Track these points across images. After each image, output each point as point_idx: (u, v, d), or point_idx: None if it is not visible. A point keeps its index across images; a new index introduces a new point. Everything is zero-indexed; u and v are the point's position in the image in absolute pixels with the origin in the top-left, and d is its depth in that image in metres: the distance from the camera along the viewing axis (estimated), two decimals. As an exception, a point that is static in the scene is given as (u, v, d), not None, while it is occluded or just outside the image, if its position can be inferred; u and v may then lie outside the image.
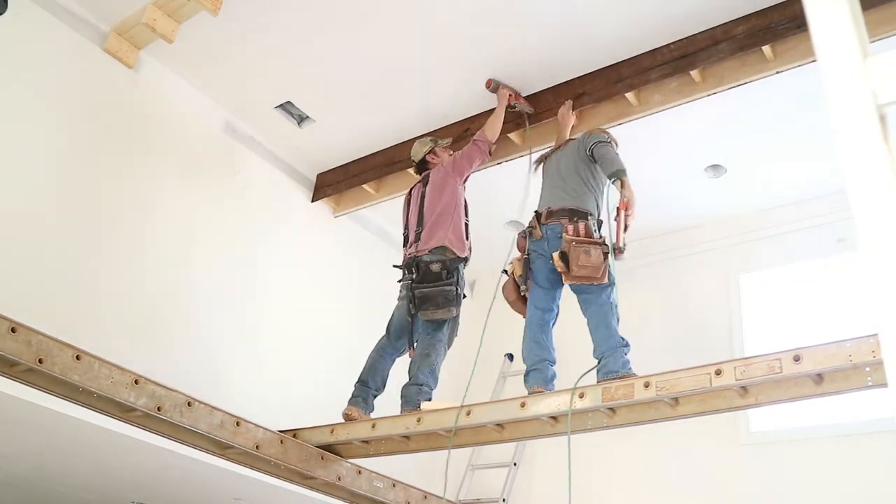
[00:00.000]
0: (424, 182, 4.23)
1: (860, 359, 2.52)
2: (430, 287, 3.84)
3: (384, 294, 4.40)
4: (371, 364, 4.11)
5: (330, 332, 5.10)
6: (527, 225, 3.84)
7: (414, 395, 3.78)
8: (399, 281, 4.12)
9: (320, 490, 3.97)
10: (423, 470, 4.86)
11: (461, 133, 4.59)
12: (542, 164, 4.10)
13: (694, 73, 3.88)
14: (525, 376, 3.59)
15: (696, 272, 5.26)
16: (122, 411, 3.19)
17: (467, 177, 4.19)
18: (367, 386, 4.04)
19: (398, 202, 4.70)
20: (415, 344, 4.02)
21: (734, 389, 2.87)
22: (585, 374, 3.26)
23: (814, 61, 3.40)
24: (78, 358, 2.97)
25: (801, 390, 2.76)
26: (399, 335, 4.08)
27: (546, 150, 4.20)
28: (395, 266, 4.21)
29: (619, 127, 4.15)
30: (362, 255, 5.58)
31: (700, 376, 2.86)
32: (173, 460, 3.47)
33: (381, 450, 3.88)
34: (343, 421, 3.93)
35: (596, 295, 3.48)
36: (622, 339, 3.38)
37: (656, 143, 4.62)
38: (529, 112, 4.36)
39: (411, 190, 4.36)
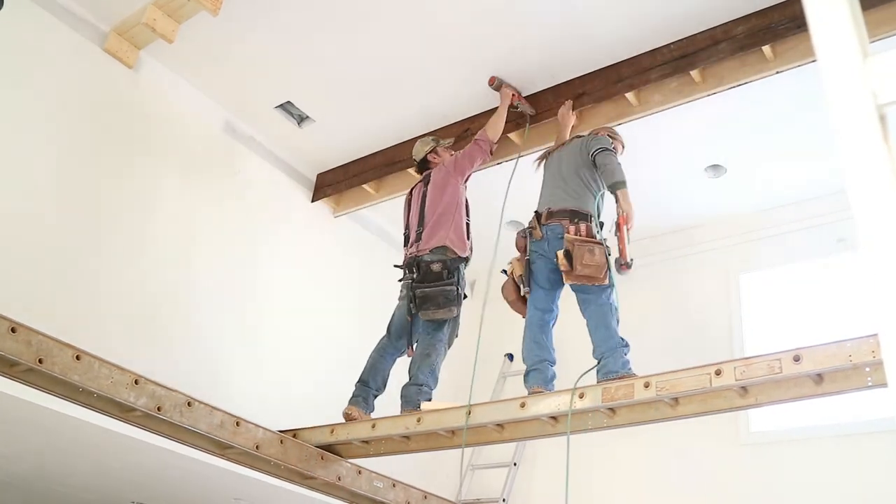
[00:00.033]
0: (425, 181, 4.22)
1: (860, 359, 2.52)
2: (431, 287, 3.84)
3: (384, 294, 4.40)
4: (372, 364, 4.10)
5: (330, 332, 5.10)
6: (527, 225, 3.83)
7: (414, 395, 3.78)
8: (400, 280, 4.12)
9: (320, 490, 3.97)
10: (423, 470, 4.86)
11: (461, 133, 4.59)
12: (542, 162, 4.10)
13: (694, 73, 3.88)
14: (525, 376, 3.59)
15: (696, 272, 5.26)
16: (122, 411, 3.18)
17: (468, 176, 4.18)
18: (368, 386, 4.04)
19: (398, 202, 4.70)
20: (415, 344, 4.02)
21: (734, 389, 2.86)
22: (585, 374, 3.26)
23: (814, 61, 3.40)
24: (78, 358, 2.97)
25: (801, 390, 2.76)
26: (400, 335, 4.07)
27: (547, 149, 4.19)
28: (395, 266, 4.21)
29: (619, 127, 4.15)
30: (362, 255, 5.58)
31: (700, 376, 2.86)
32: (173, 460, 3.47)
33: (381, 450, 3.88)
34: (343, 421, 3.93)
35: (596, 295, 3.48)
36: (622, 339, 3.38)
37: (656, 143, 4.62)
38: (531, 113, 4.35)
39: (412, 189, 4.35)
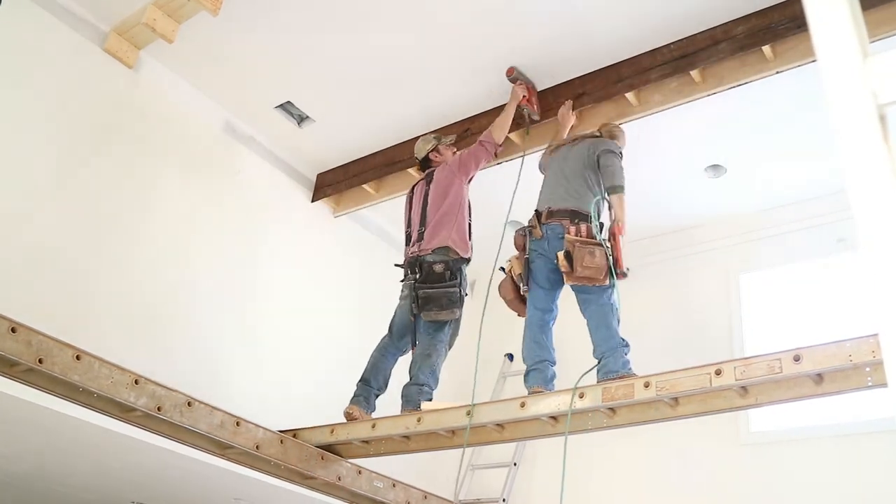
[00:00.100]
0: (428, 180, 4.20)
1: (860, 359, 2.52)
2: (434, 288, 3.83)
3: (384, 294, 4.40)
4: (373, 363, 4.09)
5: (330, 332, 5.10)
6: (526, 223, 3.81)
7: (414, 395, 3.77)
8: (401, 281, 4.11)
9: (320, 490, 3.97)
10: (423, 470, 4.86)
11: (461, 133, 4.58)
12: (546, 161, 4.07)
13: (694, 73, 3.88)
14: (525, 376, 3.59)
15: (696, 272, 5.26)
16: (122, 411, 3.19)
17: (472, 177, 4.17)
18: (370, 385, 4.03)
19: (398, 202, 4.70)
20: (416, 343, 4.01)
21: (734, 389, 2.87)
22: (586, 374, 3.26)
23: (814, 61, 3.41)
24: (78, 358, 2.97)
25: (801, 390, 2.76)
26: (402, 335, 4.06)
27: (545, 148, 4.19)
28: (396, 265, 4.21)
29: (618, 127, 4.15)
30: (362, 255, 5.58)
31: (700, 376, 2.86)
32: (173, 460, 3.47)
33: (382, 450, 3.88)
34: (343, 420, 3.93)
35: (597, 296, 3.48)
36: (622, 339, 3.37)
37: (656, 143, 4.62)
38: (536, 120, 4.32)
39: (414, 187, 4.33)
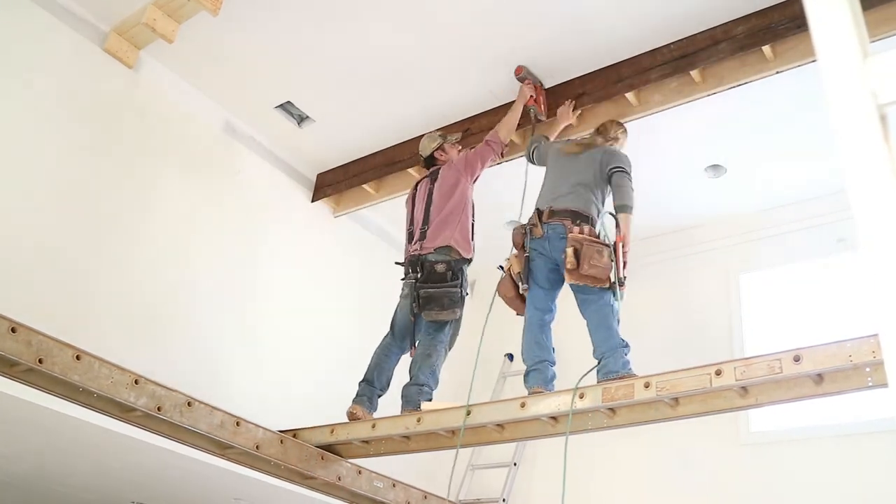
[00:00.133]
0: (433, 178, 4.18)
1: (860, 359, 2.52)
2: (436, 288, 3.82)
3: (384, 294, 4.40)
4: (376, 363, 4.08)
5: (330, 332, 5.10)
6: (527, 221, 3.78)
7: (414, 396, 3.77)
8: (402, 279, 4.10)
9: (320, 490, 3.97)
10: (423, 470, 4.86)
11: (461, 133, 4.58)
12: (548, 151, 4.02)
13: (694, 73, 3.88)
14: (525, 376, 3.58)
15: (696, 272, 5.26)
16: (122, 411, 3.18)
17: (477, 177, 4.15)
18: (373, 385, 4.02)
19: (398, 202, 4.70)
20: (416, 343, 4.01)
21: (734, 389, 2.86)
22: (586, 374, 3.26)
23: (814, 61, 3.41)
24: (78, 358, 2.97)
25: (801, 390, 2.76)
26: (403, 335, 4.05)
27: (552, 139, 4.15)
28: (396, 263, 4.20)
29: (619, 127, 4.15)
30: (362, 255, 5.58)
31: (700, 376, 2.86)
32: (173, 460, 3.47)
33: (381, 450, 3.88)
34: (344, 420, 3.92)
35: (598, 296, 3.46)
36: (622, 340, 3.37)
37: (656, 143, 4.62)
38: (541, 119, 4.29)
39: (417, 184, 4.30)
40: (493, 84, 4.37)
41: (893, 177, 0.79)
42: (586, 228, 3.53)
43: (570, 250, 3.44)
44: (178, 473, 3.74)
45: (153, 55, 4.42)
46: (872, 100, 0.80)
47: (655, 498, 4.67)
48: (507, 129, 4.15)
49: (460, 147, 4.33)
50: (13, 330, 2.79)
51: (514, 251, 3.77)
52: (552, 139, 4.18)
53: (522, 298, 3.74)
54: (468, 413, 3.45)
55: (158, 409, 3.20)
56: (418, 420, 3.61)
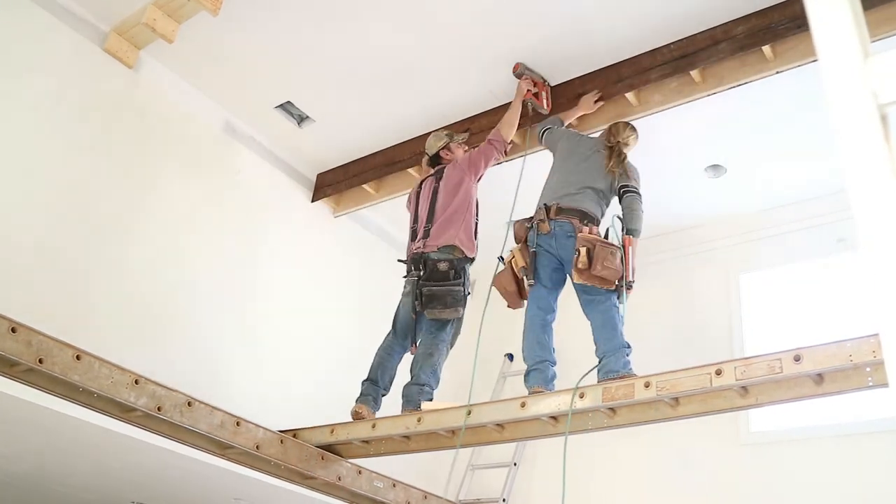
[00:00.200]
0: (438, 177, 4.17)
1: (860, 359, 2.52)
2: (439, 286, 3.81)
3: (384, 294, 4.40)
4: (379, 362, 4.07)
5: (330, 332, 5.10)
6: (533, 215, 3.74)
7: (415, 395, 3.76)
8: (404, 277, 4.08)
9: (320, 490, 3.97)
10: (423, 470, 4.86)
11: (467, 133, 4.56)
12: (560, 139, 3.99)
13: (694, 73, 3.88)
14: (525, 376, 3.57)
15: (696, 272, 5.26)
16: (122, 411, 3.18)
17: (481, 176, 4.14)
18: (377, 385, 4.00)
19: (398, 202, 4.69)
20: (417, 341, 4.01)
21: (734, 389, 2.86)
22: (587, 374, 3.26)
23: (814, 61, 3.42)
24: (78, 358, 2.97)
25: (801, 390, 2.76)
26: (406, 333, 4.05)
27: (568, 127, 4.13)
28: (399, 260, 4.19)
29: (619, 127, 4.15)
30: (362, 255, 5.58)
31: (700, 376, 2.86)
32: (173, 460, 3.47)
33: (382, 450, 3.88)
34: (344, 420, 3.92)
35: (604, 297, 3.45)
36: (625, 342, 3.36)
37: (656, 143, 4.61)
38: (542, 113, 4.25)
39: (422, 182, 4.28)
40: (493, 84, 4.37)
41: (893, 177, 0.79)
42: (595, 230, 3.53)
43: (583, 250, 3.41)
44: (178, 473, 3.74)
45: (153, 55, 4.42)
46: (873, 100, 0.80)
47: (655, 498, 4.67)
48: (508, 126, 4.14)
49: (466, 147, 4.32)
50: (13, 330, 2.79)
51: (518, 245, 3.75)
52: (566, 125, 4.15)
53: (521, 293, 3.72)
54: (468, 413, 3.45)
55: (158, 409, 3.20)
56: (418, 420, 3.61)
